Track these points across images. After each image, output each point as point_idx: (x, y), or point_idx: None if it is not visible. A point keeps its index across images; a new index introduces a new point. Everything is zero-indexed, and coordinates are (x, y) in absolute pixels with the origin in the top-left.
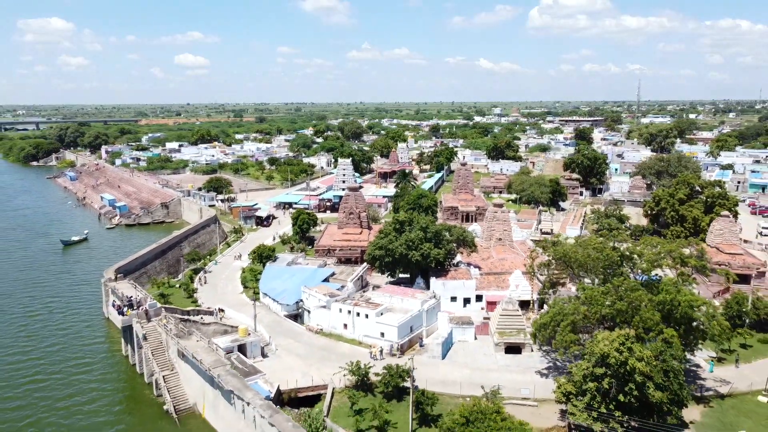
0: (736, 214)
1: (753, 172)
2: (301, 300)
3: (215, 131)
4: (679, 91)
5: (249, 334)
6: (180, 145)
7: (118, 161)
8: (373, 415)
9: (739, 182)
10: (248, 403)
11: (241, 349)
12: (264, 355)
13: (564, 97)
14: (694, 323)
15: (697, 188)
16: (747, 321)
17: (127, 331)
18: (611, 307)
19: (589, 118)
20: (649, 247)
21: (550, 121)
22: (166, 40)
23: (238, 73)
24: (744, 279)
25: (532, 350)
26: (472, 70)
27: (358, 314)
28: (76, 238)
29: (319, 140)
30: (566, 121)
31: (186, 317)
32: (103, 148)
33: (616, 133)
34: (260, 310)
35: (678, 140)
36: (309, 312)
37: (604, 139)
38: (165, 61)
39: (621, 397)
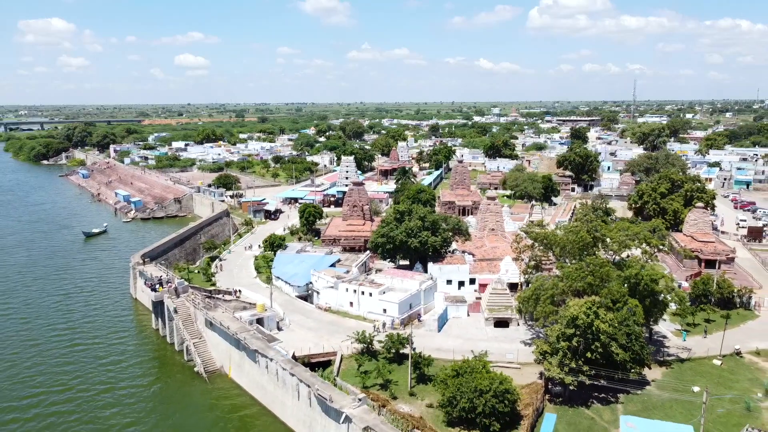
0: (713, 207)
1: (739, 169)
2: (311, 282)
3: (220, 131)
4: (679, 90)
5: (266, 310)
6: (186, 145)
7: (126, 160)
8: (377, 374)
9: (725, 179)
10: (271, 359)
11: (259, 322)
12: (279, 329)
13: (564, 97)
14: (659, 297)
15: (678, 183)
16: (712, 299)
17: (158, 306)
18: (584, 280)
19: (587, 118)
20: (619, 230)
21: (548, 121)
22: (166, 41)
23: (239, 74)
24: (714, 264)
25: (518, 324)
26: (472, 70)
27: (362, 293)
28: (96, 230)
29: (322, 139)
30: (564, 120)
31: (209, 295)
32: (112, 147)
33: (611, 132)
34: (273, 291)
35: (671, 139)
36: (318, 293)
37: (599, 138)
38: (165, 61)
39: (588, 354)
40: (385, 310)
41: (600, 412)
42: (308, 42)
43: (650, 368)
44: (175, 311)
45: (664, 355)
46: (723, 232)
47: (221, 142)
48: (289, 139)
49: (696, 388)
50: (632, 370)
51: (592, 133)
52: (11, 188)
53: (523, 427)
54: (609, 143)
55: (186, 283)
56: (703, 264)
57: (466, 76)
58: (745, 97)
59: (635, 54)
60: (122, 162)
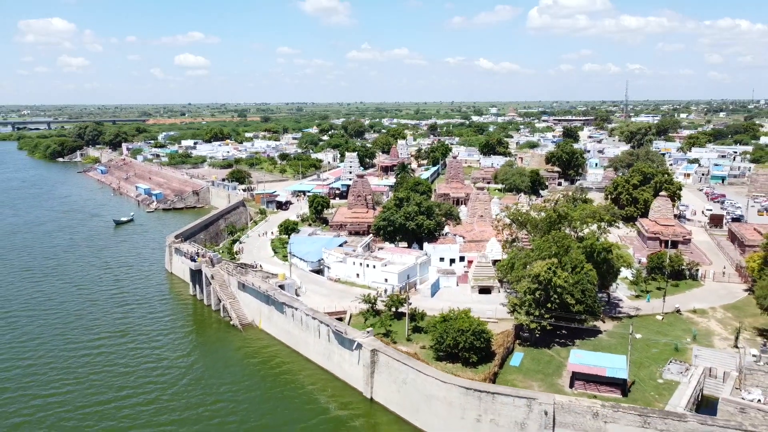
0: (679, 197)
1: (716, 165)
2: (322, 259)
3: (226, 130)
4: (679, 90)
5: (285, 279)
6: (195, 143)
7: (139, 157)
8: (380, 324)
9: (703, 174)
10: (296, 309)
11: (281, 288)
12: (297, 295)
13: (564, 97)
14: (612, 264)
15: (649, 176)
16: (666, 272)
17: (196, 274)
18: (550, 250)
19: (582, 117)
20: (580, 210)
21: (544, 120)
22: (166, 41)
23: (239, 74)
24: (674, 244)
25: (499, 291)
26: (472, 70)
27: (367, 266)
28: (125, 219)
29: (325, 138)
30: (559, 120)
31: (237, 267)
32: (124, 145)
33: (603, 131)
34: (291, 266)
35: (661, 137)
36: (329, 267)
37: (591, 137)
38: (165, 61)
39: (549, 305)
40: (386, 280)
41: (558, 352)
42: (308, 42)
43: (603, 322)
44: (212, 277)
45: (617, 313)
46: (689, 220)
47: (228, 141)
48: (294, 138)
49: (638, 335)
50: (586, 320)
51: (585, 132)
52: (35, 183)
53: (495, 360)
54: (599, 141)
55: (219, 255)
56: (663, 244)
57: (466, 76)
58: (745, 97)
59: (635, 54)
60: (134, 159)
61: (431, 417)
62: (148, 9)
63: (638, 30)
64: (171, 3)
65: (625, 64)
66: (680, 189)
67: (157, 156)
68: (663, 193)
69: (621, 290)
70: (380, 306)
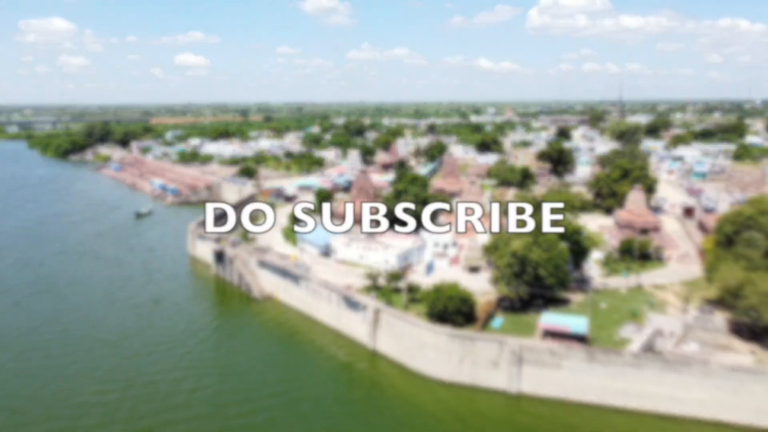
0: (654, 190)
1: (698, 162)
2: (329, 243)
3: (231, 129)
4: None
5: (297, 259)
6: (202, 141)
7: (149, 155)
8: (381, 296)
9: (686, 171)
10: (310, 280)
11: None
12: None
13: (563, 96)
14: (582, 243)
15: (628, 171)
16: (635, 254)
17: (220, 255)
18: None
19: (579, 117)
20: (553, 195)
21: (541, 120)
22: (166, 41)
23: (239, 73)
24: (644, 231)
25: (485, 271)
26: (472, 69)
27: (370, 248)
28: (144, 211)
29: (327, 137)
30: (555, 119)
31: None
32: (134, 144)
33: (595, 130)
34: (300, 250)
35: (651, 136)
36: (335, 250)
37: (584, 136)
38: (165, 61)
39: (525, 277)
40: (387, 261)
41: (534, 318)
42: (308, 41)
43: (574, 294)
44: (234, 257)
45: (587, 287)
46: (665, 211)
47: (233, 139)
48: (297, 137)
49: (603, 305)
50: (557, 290)
51: (579, 131)
52: (52, 180)
53: (479, 322)
54: (591, 140)
55: (239, 238)
56: (636, 231)
57: (466, 75)
58: (744, 97)
59: (634, 53)
60: (144, 157)
61: (424, 360)
62: (149, 9)
63: (638, 30)
64: (171, 3)
65: (624, 64)
66: (655, 183)
67: (166, 154)
68: (637, 186)
69: (593, 269)
70: (381, 282)
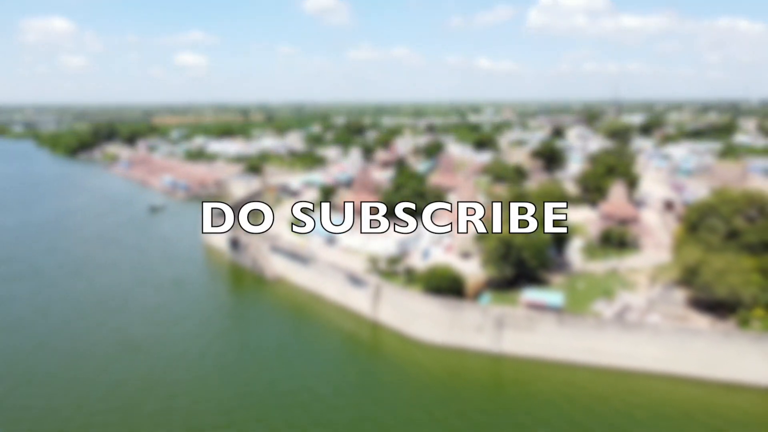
0: (635, 185)
1: (685, 160)
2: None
3: (234, 128)
4: (678, 89)
5: (305, 247)
6: (206, 140)
7: (156, 154)
8: (382, 277)
9: (673, 168)
10: (317, 262)
11: None
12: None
13: (563, 95)
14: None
15: (612, 167)
16: (613, 242)
17: (235, 242)
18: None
19: (576, 116)
20: (539, 188)
21: (540, 119)
22: (167, 40)
23: (239, 72)
24: (624, 222)
25: (477, 257)
26: (471, 69)
27: (371, 237)
28: (158, 205)
29: (328, 136)
30: (552, 119)
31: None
32: (141, 142)
33: (589, 128)
34: (307, 239)
35: (645, 134)
36: (339, 240)
37: (579, 135)
38: (165, 60)
39: (510, 259)
40: (386, 248)
41: (517, 295)
42: (308, 41)
43: (555, 276)
44: (249, 243)
45: (568, 271)
46: (648, 205)
47: (236, 138)
48: (299, 136)
49: (581, 285)
50: (540, 272)
51: (575, 130)
52: (66, 176)
53: (468, 300)
54: (585, 139)
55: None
56: (617, 222)
57: (466, 75)
58: (744, 95)
59: (634, 53)
60: (151, 155)
61: (419, 327)
62: (149, 8)
63: (637, 29)
64: (171, 2)
65: (624, 63)
66: (638, 179)
67: (172, 153)
68: (619, 180)
69: (575, 255)
70: (382, 266)
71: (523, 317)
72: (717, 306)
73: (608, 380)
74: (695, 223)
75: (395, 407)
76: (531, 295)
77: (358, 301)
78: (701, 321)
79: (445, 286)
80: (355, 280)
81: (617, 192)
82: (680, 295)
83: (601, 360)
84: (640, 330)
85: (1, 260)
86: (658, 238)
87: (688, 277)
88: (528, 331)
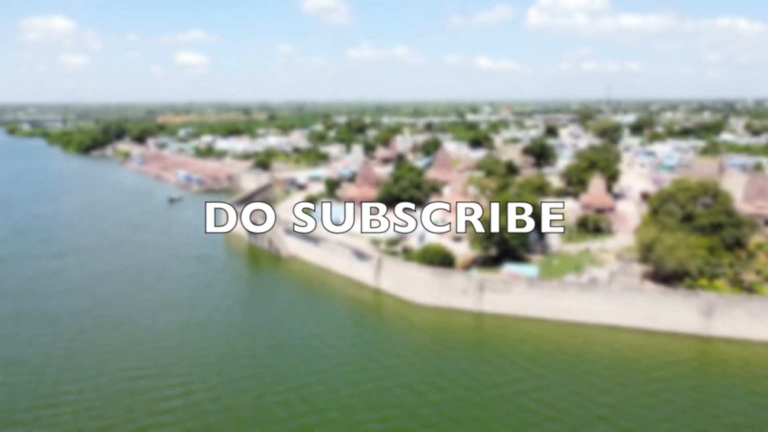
0: (615, 178)
1: (668, 157)
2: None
3: (240, 127)
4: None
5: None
6: (214, 138)
7: (166, 151)
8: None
9: (657, 164)
10: (326, 241)
11: None
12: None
13: (562, 94)
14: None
15: (593, 162)
16: (589, 228)
17: (255, 223)
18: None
19: (569, 116)
20: (526, 180)
21: (535, 119)
22: (167, 39)
23: (239, 72)
24: (600, 210)
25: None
26: (471, 68)
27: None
28: (175, 197)
29: (331, 134)
30: (547, 118)
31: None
32: (151, 140)
33: (581, 127)
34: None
35: (636, 133)
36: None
37: (571, 133)
38: (166, 59)
39: (494, 239)
40: (387, 233)
41: (500, 269)
42: (308, 40)
43: (535, 256)
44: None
45: (547, 251)
46: (627, 197)
47: (242, 136)
48: (302, 134)
49: (555, 262)
50: (521, 251)
51: (568, 129)
52: (84, 172)
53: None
54: (577, 137)
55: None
56: (594, 210)
57: (465, 74)
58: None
59: (634, 52)
60: (162, 152)
61: (414, 292)
62: (149, 7)
63: (637, 29)
64: (172, 2)
65: (623, 63)
66: (618, 173)
67: (182, 150)
68: (597, 174)
69: (554, 239)
70: (382, 247)
71: (500, 282)
72: (668, 277)
73: (569, 331)
74: (657, 208)
75: (393, 352)
76: (510, 268)
77: (362, 272)
78: (654, 289)
79: (437, 261)
80: (360, 255)
81: (596, 184)
82: (638, 268)
83: (563, 316)
84: (595, 291)
85: (47, 241)
86: (631, 225)
87: (644, 253)
88: (504, 293)
